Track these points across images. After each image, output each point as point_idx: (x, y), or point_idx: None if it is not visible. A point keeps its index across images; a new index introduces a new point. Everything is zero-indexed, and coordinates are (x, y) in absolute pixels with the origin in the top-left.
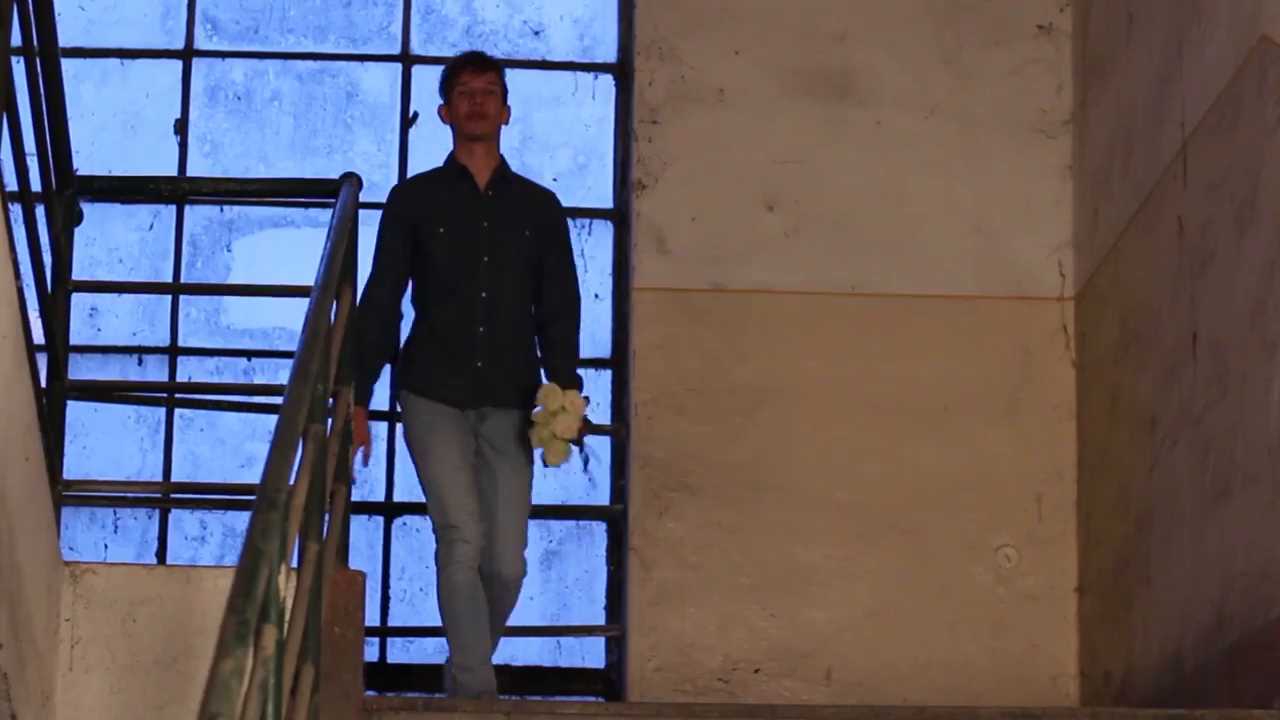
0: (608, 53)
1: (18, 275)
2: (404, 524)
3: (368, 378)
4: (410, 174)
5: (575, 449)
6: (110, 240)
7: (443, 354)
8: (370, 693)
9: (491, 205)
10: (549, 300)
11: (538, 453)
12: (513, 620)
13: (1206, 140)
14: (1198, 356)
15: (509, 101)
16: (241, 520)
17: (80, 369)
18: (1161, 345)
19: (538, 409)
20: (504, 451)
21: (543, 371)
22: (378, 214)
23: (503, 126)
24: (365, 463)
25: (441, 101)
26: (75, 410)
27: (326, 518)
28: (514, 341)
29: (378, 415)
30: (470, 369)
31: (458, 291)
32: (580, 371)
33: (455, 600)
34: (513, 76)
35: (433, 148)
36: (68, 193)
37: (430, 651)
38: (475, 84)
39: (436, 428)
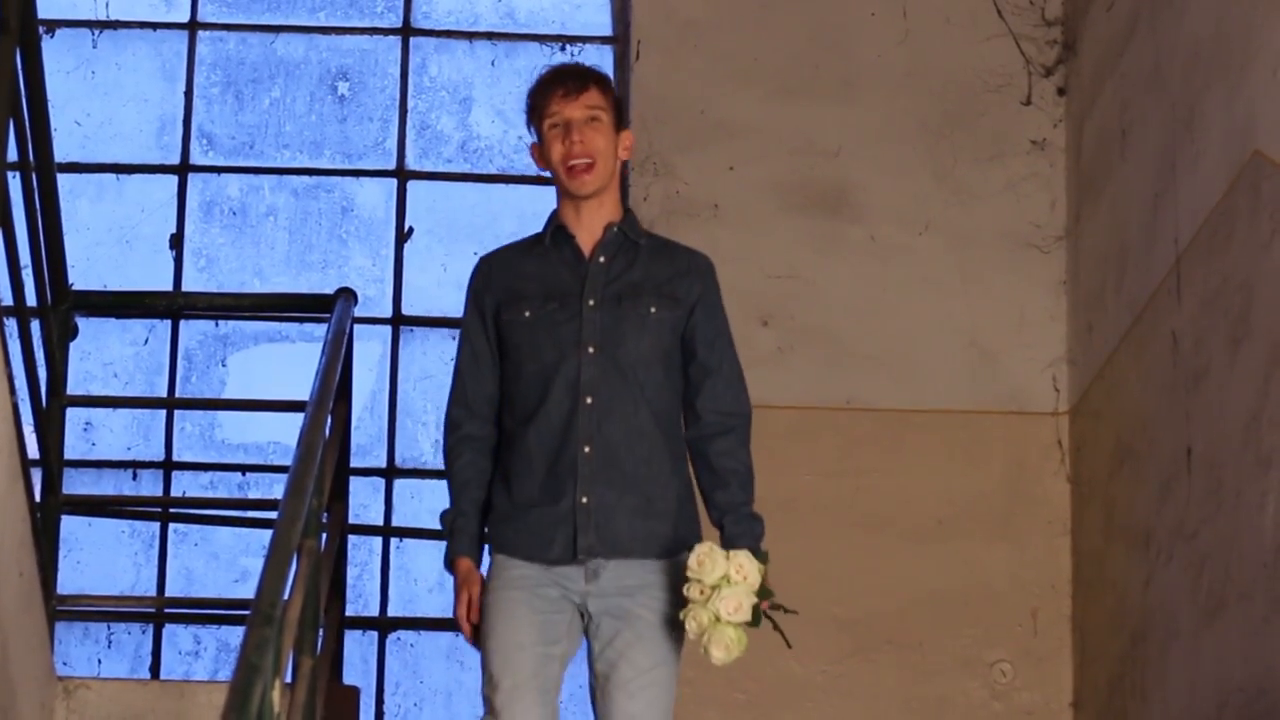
0: None
1: (13, 390)
2: (398, 639)
3: (463, 521)
4: (405, 289)
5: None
6: (105, 355)
7: (531, 488)
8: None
9: (602, 277)
10: (699, 411)
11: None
12: None
13: (1200, 255)
14: (1192, 471)
15: (627, 124)
16: (235, 635)
17: (74, 483)
18: (1156, 460)
19: (691, 581)
20: (630, 619)
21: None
22: (372, 329)
23: (624, 162)
24: (470, 637)
25: (531, 137)
26: (69, 525)
27: (321, 633)
28: (640, 468)
29: (369, 530)
30: (568, 507)
31: (549, 397)
32: (757, 514)
33: None
34: (506, 192)
35: (427, 263)
36: (63, 307)
37: None
38: (570, 112)
39: (510, 597)
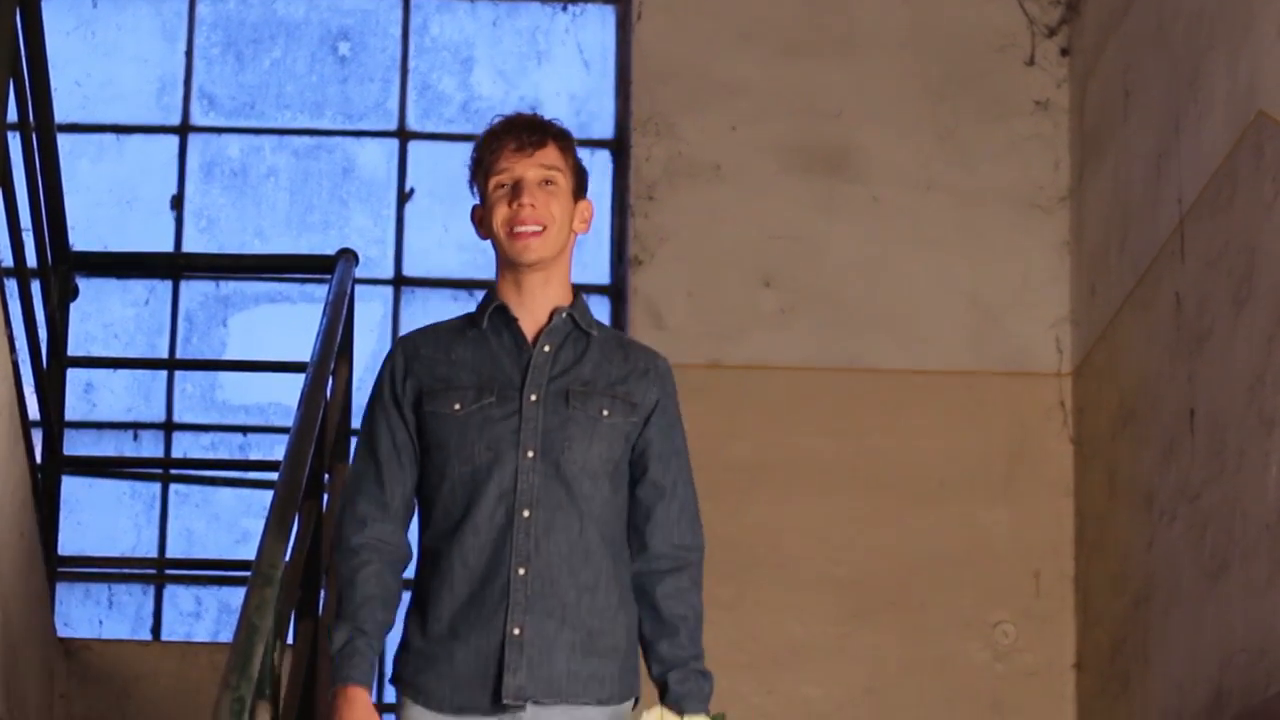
0: (604, 129)
1: (13, 350)
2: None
3: (362, 643)
4: (406, 250)
5: None
6: (106, 316)
7: (450, 617)
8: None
9: (546, 369)
10: (646, 540)
11: None
12: None
13: (1203, 216)
14: (1195, 432)
15: (588, 193)
16: (237, 596)
17: (75, 444)
18: (1159, 421)
19: None
20: None
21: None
22: (373, 290)
23: (579, 236)
24: None
25: (474, 198)
26: (70, 486)
27: (322, 594)
28: (583, 597)
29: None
30: (495, 641)
31: (478, 508)
32: (707, 671)
33: None
34: None
35: (429, 224)
36: (63, 268)
37: None
38: (522, 170)
39: None
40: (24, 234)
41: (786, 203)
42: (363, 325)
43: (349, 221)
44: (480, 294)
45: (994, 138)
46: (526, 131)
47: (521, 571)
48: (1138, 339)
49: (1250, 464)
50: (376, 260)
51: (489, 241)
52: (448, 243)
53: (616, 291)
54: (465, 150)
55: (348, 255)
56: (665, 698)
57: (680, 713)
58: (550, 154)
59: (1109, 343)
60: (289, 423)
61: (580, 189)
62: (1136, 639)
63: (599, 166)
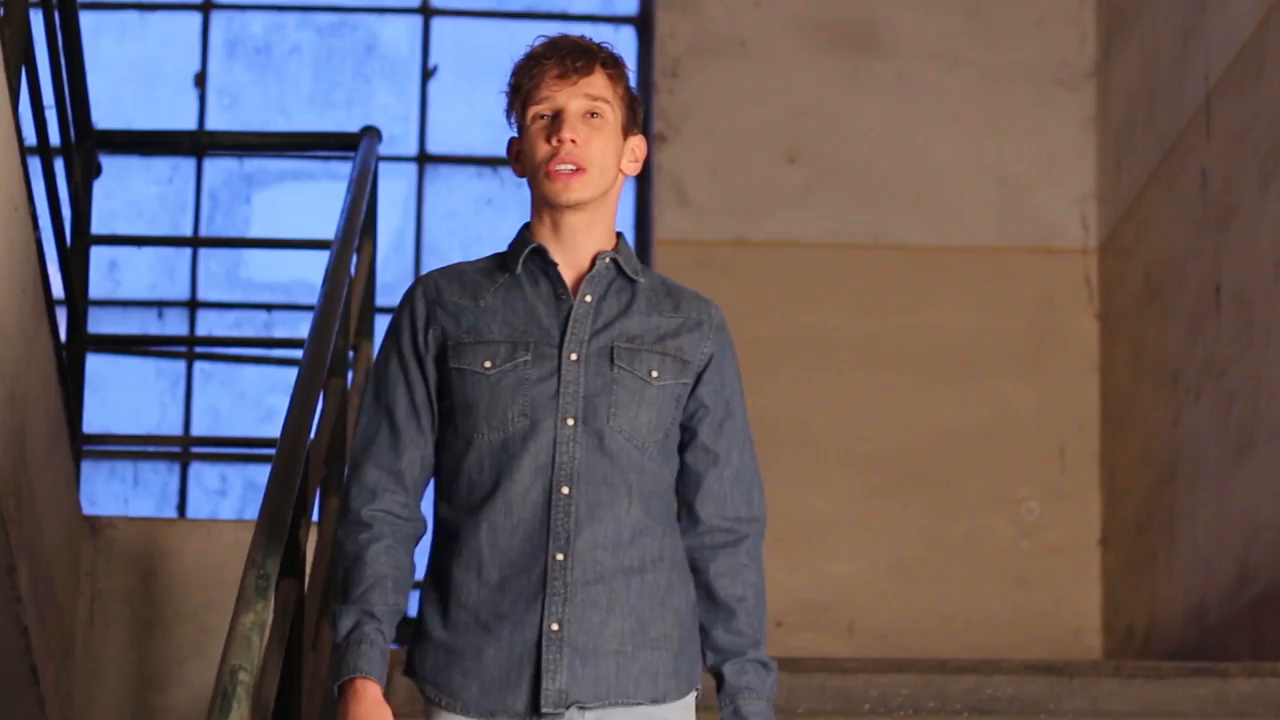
0: (628, 5)
1: (37, 229)
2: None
3: (371, 629)
4: (430, 127)
5: None
6: (129, 194)
7: (477, 607)
8: (393, 645)
9: (588, 322)
10: (697, 513)
11: None
12: None
13: (1230, 92)
14: (1221, 309)
15: (638, 126)
16: (262, 473)
17: (100, 323)
18: (1185, 298)
19: None
20: None
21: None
22: (397, 167)
23: (628, 178)
24: None
25: (511, 129)
26: (95, 364)
27: (347, 470)
28: (632, 582)
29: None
30: (531, 638)
31: (512, 482)
32: (768, 662)
33: None
34: (533, 30)
35: (453, 101)
36: (86, 146)
37: None
38: (564, 99)
39: None
40: (47, 112)
41: (811, 79)
42: (386, 203)
43: (372, 99)
44: (506, 171)
45: (1020, 13)
46: (571, 55)
47: (560, 557)
48: (1164, 215)
49: (1277, 340)
50: (400, 137)
51: (526, 180)
52: (471, 119)
53: (642, 169)
54: (490, 27)
55: (371, 132)
56: (721, 693)
57: (739, 713)
58: (597, 82)
59: (1135, 219)
60: (313, 300)
61: (632, 123)
62: (1162, 516)
63: (623, 43)
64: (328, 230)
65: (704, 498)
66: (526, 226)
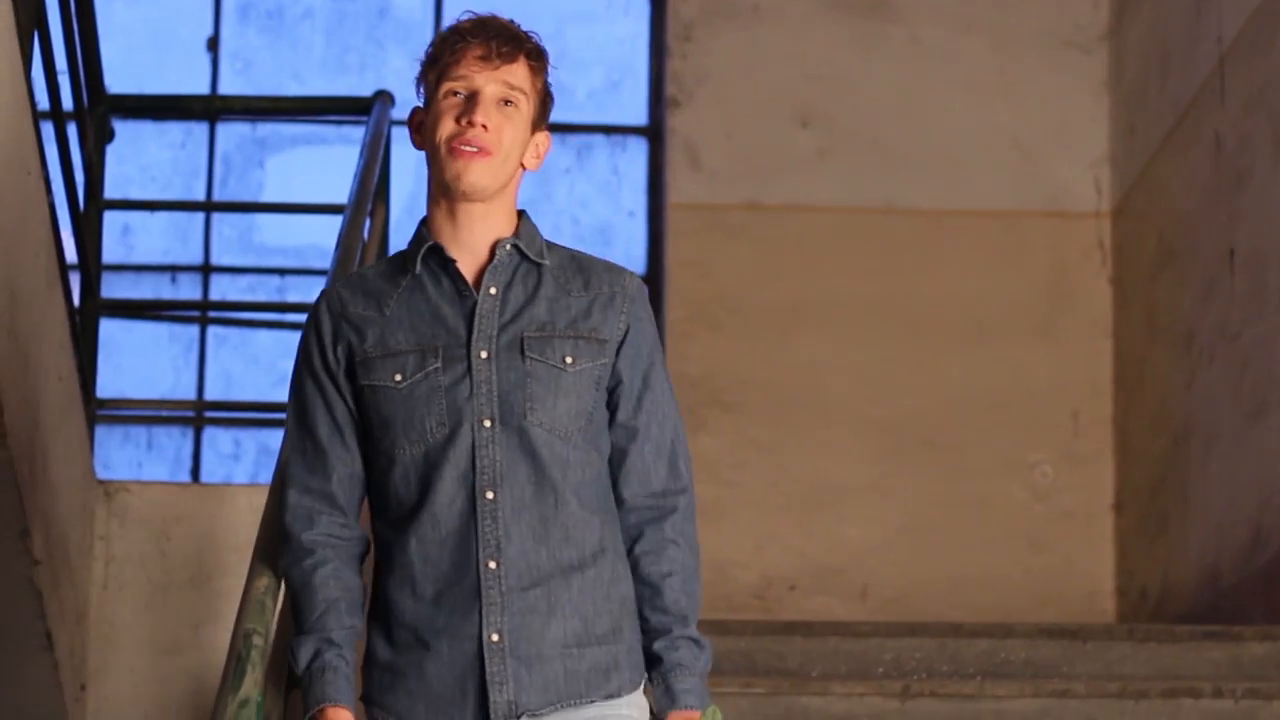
0: None
1: (50, 193)
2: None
3: (334, 656)
4: None
5: None
6: (142, 158)
7: (416, 623)
8: None
9: (495, 316)
10: (621, 494)
11: None
12: None
13: (1244, 55)
14: (1235, 272)
15: (546, 123)
16: (275, 438)
17: (113, 287)
18: (1198, 261)
19: None
20: None
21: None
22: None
23: (527, 172)
24: None
25: (417, 98)
26: (108, 328)
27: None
28: (571, 579)
29: None
30: (471, 650)
31: (435, 493)
32: (699, 639)
33: None
34: None
35: None
36: (99, 110)
37: None
38: (481, 81)
39: None
40: (60, 77)
41: (825, 43)
42: (400, 167)
43: (385, 63)
44: None
45: None
46: (498, 39)
47: (493, 565)
48: (1177, 179)
49: None
50: (413, 101)
51: (423, 154)
52: None
53: (654, 133)
54: None
55: (384, 97)
56: (653, 671)
57: (670, 692)
58: (519, 71)
59: (1148, 183)
60: (326, 265)
61: (541, 118)
62: (1175, 479)
63: (637, 7)
64: (341, 195)
65: (627, 475)
66: (424, 221)
